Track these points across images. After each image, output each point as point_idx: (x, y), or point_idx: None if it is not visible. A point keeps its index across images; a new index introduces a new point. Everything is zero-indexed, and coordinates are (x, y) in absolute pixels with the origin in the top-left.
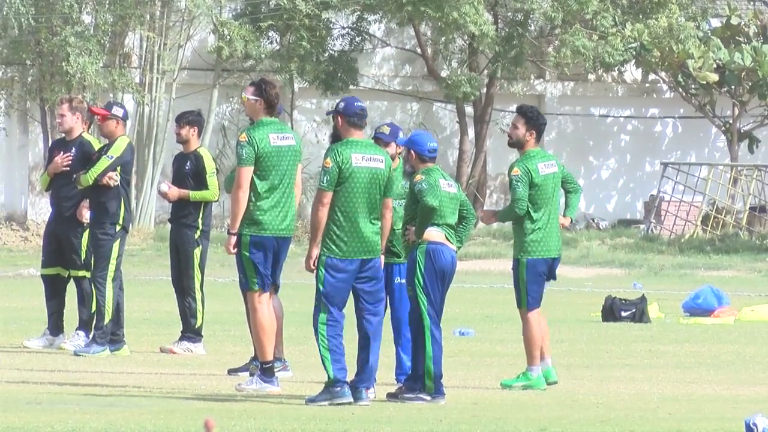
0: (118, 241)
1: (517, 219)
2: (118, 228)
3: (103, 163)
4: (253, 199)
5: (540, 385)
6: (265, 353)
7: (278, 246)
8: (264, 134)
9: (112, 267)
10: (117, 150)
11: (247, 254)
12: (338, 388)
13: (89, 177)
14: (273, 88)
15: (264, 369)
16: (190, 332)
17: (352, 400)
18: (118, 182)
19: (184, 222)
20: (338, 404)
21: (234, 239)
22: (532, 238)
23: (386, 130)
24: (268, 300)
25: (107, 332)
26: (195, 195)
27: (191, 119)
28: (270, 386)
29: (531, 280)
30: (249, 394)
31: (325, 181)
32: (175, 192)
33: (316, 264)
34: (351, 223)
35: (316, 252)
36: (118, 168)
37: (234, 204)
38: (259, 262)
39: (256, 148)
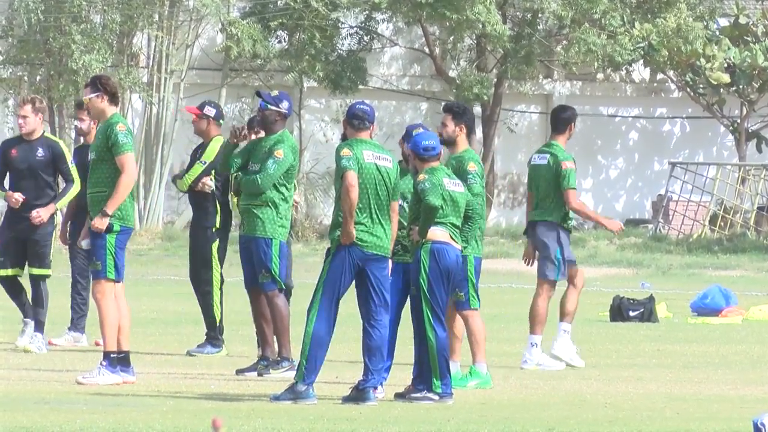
0: (216, 242)
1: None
2: (214, 230)
3: (197, 169)
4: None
5: (489, 383)
6: (108, 343)
7: (128, 238)
8: (128, 126)
9: (216, 267)
10: (210, 154)
11: (113, 243)
12: (303, 388)
13: (185, 183)
14: (109, 80)
15: (110, 359)
16: (215, 335)
17: (315, 402)
18: (213, 187)
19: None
20: (302, 404)
21: (107, 221)
22: (478, 236)
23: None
24: (116, 292)
25: (221, 332)
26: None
27: None
28: (115, 376)
29: (477, 278)
30: (93, 384)
31: (350, 164)
32: None
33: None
34: (359, 218)
35: (353, 229)
36: (213, 171)
37: (125, 189)
38: (118, 254)
39: (132, 137)
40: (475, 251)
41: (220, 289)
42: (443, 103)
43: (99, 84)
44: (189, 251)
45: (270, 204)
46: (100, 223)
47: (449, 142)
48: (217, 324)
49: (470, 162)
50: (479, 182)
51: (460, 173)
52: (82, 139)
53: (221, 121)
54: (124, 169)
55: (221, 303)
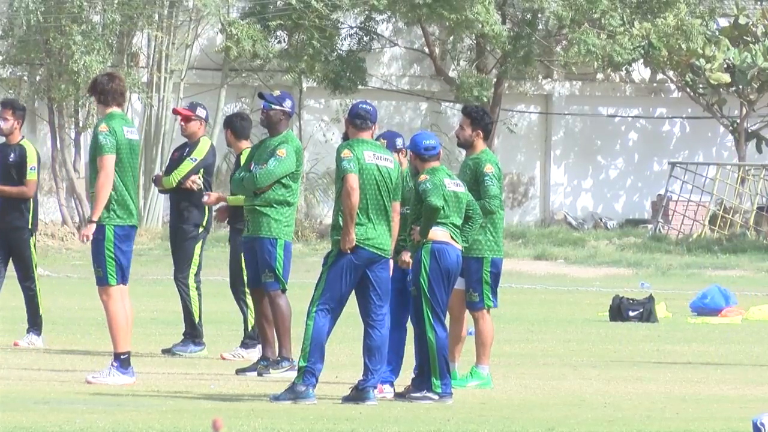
0: (200, 242)
1: (487, 216)
2: (200, 229)
3: (187, 165)
4: (115, 189)
5: (490, 384)
6: (119, 344)
7: (133, 235)
8: (120, 126)
9: (194, 268)
10: (200, 152)
11: (111, 248)
12: (303, 389)
13: (172, 180)
14: (97, 80)
15: (121, 360)
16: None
17: (315, 402)
18: (201, 185)
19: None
20: (302, 404)
21: (94, 228)
22: (498, 236)
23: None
24: (120, 293)
25: (201, 332)
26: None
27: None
28: (126, 377)
29: (495, 279)
30: (103, 384)
31: (351, 166)
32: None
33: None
34: (360, 219)
35: (353, 233)
36: (201, 170)
37: (103, 192)
38: (121, 255)
39: (115, 137)
40: (495, 252)
41: (198, 288)
42: (462, 106)
43: (92, 85)
44: (171, 249)
45: (274, 204)
46: (87, 230)
47: (465, 145)
48: (197, 322)
49: (487, 164)
50: (496, 184)
51: (477, 175)
52: (2, 139)
53: (208, 121)
54: (99, 171)
55: (200, 302)
